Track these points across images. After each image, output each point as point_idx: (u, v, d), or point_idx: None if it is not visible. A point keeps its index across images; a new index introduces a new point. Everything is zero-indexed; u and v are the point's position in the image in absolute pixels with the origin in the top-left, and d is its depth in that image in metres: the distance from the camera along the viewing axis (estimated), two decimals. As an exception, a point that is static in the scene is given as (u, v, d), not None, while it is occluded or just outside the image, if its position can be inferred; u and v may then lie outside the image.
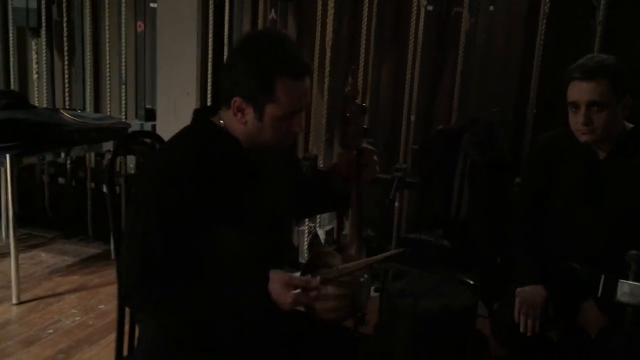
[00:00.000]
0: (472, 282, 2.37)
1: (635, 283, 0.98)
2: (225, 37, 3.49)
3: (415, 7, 3.14)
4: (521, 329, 1.89)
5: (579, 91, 1.82)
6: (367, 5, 3.21)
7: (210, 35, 3.47)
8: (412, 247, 2.59)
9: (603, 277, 0.98)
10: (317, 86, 3.41)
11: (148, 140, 3.29)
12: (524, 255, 1.99)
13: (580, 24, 3.07)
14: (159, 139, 1.79)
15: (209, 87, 3.52)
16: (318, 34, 3.30)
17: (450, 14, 3.30)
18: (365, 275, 1.57)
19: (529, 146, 2.98)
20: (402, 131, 3.23)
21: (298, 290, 1.33)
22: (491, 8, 3.21)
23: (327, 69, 3.33)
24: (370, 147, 1.58)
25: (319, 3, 3.26)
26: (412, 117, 3.23)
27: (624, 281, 0.98)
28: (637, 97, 2.88)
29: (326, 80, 3.34)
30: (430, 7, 3.20)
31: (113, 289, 3.20)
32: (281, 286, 1.34)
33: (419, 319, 2.13)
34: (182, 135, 1.51)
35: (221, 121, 1.47)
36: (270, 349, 1.56)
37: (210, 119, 1.49)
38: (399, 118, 3.29)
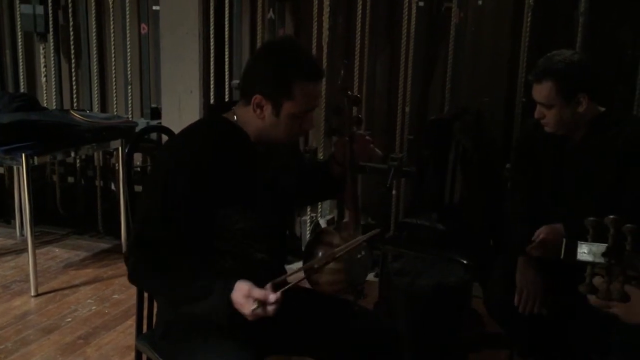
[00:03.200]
0: (465, 262, 2.51)
1: (592, 243, 1.13)
2: (226, 36, 3.64)
3: (407, 4, 3.28)
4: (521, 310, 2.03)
5: (534, 91, 1.99)
6: (361, 3, 3.35)
7: (212, 35, 3.61)
8: (408, 230, 2.74)
9: (565, 240, 1.13)
10: (315, 81, 3.55)
11: (155, 136, 3.44)
12: (519, 226, 2.11)
13: (564, 14, 3.22)
14: (170, 132, 1.93)
15: (212, 85, 3.67)
16: (315, 32, 3.44)
17: (441, 9, 3.45)
18: (363, 252, 1.73)
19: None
20: (398, 122, 3.38)
21: (256, 306, 1.38)
22: (480, 2, 3.36)
23: (324, 65, 3.48)
24: (361, 132, 1.74)
25: (315, 2, 3.40)
26: (407, 109, 3.38)
27: (582, 242, 1.13)
28: (620, 86, 3.06)
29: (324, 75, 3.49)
30: (421, 3, 3.35)
31: (125, 280, 3.31)
32: (242, 297, 1.41)
33: (415, 296, 2.28)
34: (195, 127, 1.67)
35: (234, 116, 1.63)
36: (276, 321, 1.72)
37: (223, 114, 1.65)
38: (395, 110, 3.44)
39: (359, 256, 1.70)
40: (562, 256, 1.12)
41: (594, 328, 2.07)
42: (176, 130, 3.60)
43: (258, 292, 1.39)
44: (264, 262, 1.69)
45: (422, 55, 3.44)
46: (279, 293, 1.39)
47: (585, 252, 1.11)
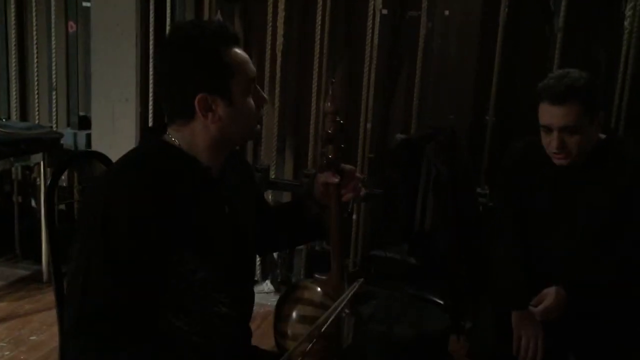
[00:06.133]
0: (442, 302, 2.25)
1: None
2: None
3: (371, 11, 3.00)
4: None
5: (551, 116, 1.73)
6: (321, 8, 3.04)
7: (152, 36, 3.22)
8: (377, 264, 2.47)
9: None
10: (268, 94, 3.23)
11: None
12: (514, 273, 1.87)
13: (536, 29, 3.05)
14: (106, 160, 1.56)
15: (151, 93, 3.27)
16: (269, 39, 3.11)
17: (405, 18, 3.21)
18: (347, 310, 1.42)
19: (489, 154, 2.92)
20: (360, 140, 3.08)
21: None
22: (447, 12, 3.13)
23: (278, 76, 3.16)
24: (350, 166, 1.43)
25: (270, 5, 3.07)
26: (369, 125, 3.10)
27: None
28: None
29: (277, 87, 3.17)
30: (384, 11, 3.08)
31: (46, 316, 2.92)
32: None
33: (393, 347, 2.00)
34: (133, 157, 1.32)
35: (173, 139, 1.31)
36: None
37: (162, 138, 1.33)
38: (353, 126, 3.15)
39: (343, 315, 1.38)
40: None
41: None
42: (107, 143, 3.18)
43: None
44: (228, 317, 1.37)
45: (384, 67, 3.17)
46: None
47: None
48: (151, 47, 3.23)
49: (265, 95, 1.36)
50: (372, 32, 3.02)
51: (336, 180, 1.38)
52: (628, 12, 2.73)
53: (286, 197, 3.29)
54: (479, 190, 2.79)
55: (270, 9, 3.07)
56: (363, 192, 1.45)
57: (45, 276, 3.31)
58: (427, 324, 2.08)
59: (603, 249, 1.81)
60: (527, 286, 1.85)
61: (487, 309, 2.01)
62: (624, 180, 1.80)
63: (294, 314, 1.35)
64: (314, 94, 3.12)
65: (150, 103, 3.28)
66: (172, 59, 1.26)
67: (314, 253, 3.15)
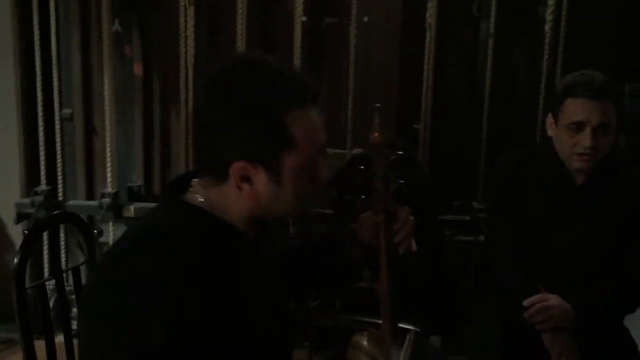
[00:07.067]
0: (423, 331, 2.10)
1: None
2: (53, 56, 2.77)
3: (294, 18, 2.76)
4: None
5: (589, 111, 1.64)
6: (240, 14, 2.75)
7: (38, 54, 2.73)
8: (342, 296, 2.27)
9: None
10: (176, 113, 2.91)
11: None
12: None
13: (456, 34, 3.02)
14: (78, 222, 1.20)
15: (40, 118, 2.78)
16: (184, 51, 2.75)
17: (322, 25, 3.04)
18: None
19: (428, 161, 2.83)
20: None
21: None
22: (365, 19, 3.00)
23: (191, 92, 2.82)
24: (405, 207, 1.22)
25: (181, 11, 2.71)
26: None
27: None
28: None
29: (189, 105, 2.82)
30: (304, 18, 2.87)
31: None
32: None
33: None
34: (155, 229, 1.01)
35: (200, 199, 1.01)
36: None
37: (182, 199, 1.02)
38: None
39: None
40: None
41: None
42: None
43: None
44: None
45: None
46: None
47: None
48: (38, 65, 2.74)
49: (328, 175, 1.04)
50: (296, 41, 2.79)
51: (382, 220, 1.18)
52: (548, 17, 2.74)
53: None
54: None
55: (182, 16, 2.72)
56: (414, 245, 1.24)
57: None
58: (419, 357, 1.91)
59: (605, 262, 1.77)
60: None
61: (487, 335, 1.89)
62: (628, 198, 1.76)
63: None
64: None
65: (41, 129, 2.78)
66: (223, 106, 0.96)
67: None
